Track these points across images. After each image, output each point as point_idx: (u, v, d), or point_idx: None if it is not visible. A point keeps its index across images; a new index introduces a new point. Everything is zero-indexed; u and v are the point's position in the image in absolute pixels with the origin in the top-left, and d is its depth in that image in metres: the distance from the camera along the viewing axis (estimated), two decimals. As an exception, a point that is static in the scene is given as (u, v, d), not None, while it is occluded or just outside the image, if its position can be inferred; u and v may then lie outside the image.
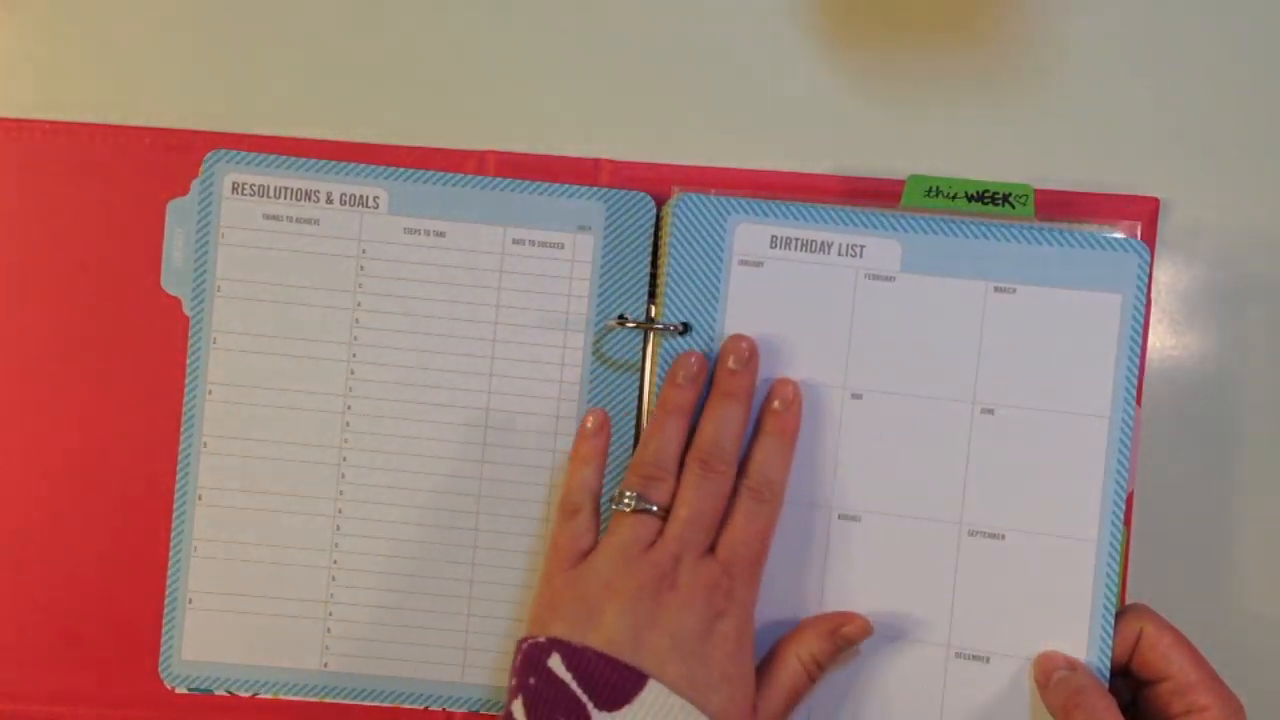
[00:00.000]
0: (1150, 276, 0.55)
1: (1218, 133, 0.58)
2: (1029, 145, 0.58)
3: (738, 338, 0.53)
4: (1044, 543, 0.53)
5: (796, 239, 0.55)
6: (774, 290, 0.55)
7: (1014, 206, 0.56)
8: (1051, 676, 0.52)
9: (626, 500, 0.52)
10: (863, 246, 0.54)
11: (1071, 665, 0.52)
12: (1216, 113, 0.59)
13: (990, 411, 0.54)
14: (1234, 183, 0.58)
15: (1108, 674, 0.52)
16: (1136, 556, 0.57)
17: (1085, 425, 0.53)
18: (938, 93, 0.59)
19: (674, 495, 0.52)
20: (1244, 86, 0.59)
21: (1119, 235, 0.54)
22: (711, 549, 0.51)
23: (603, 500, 0.55)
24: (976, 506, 0.53)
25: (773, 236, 0.54)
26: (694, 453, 0.52)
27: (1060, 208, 0.57)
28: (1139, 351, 0.53)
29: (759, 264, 0.55)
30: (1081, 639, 0.53)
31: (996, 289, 0.54)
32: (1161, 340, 0.58)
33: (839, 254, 0.54)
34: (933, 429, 0.54)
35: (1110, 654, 0.52)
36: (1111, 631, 0.52)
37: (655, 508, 0.51)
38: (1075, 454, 0.53)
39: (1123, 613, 0.53)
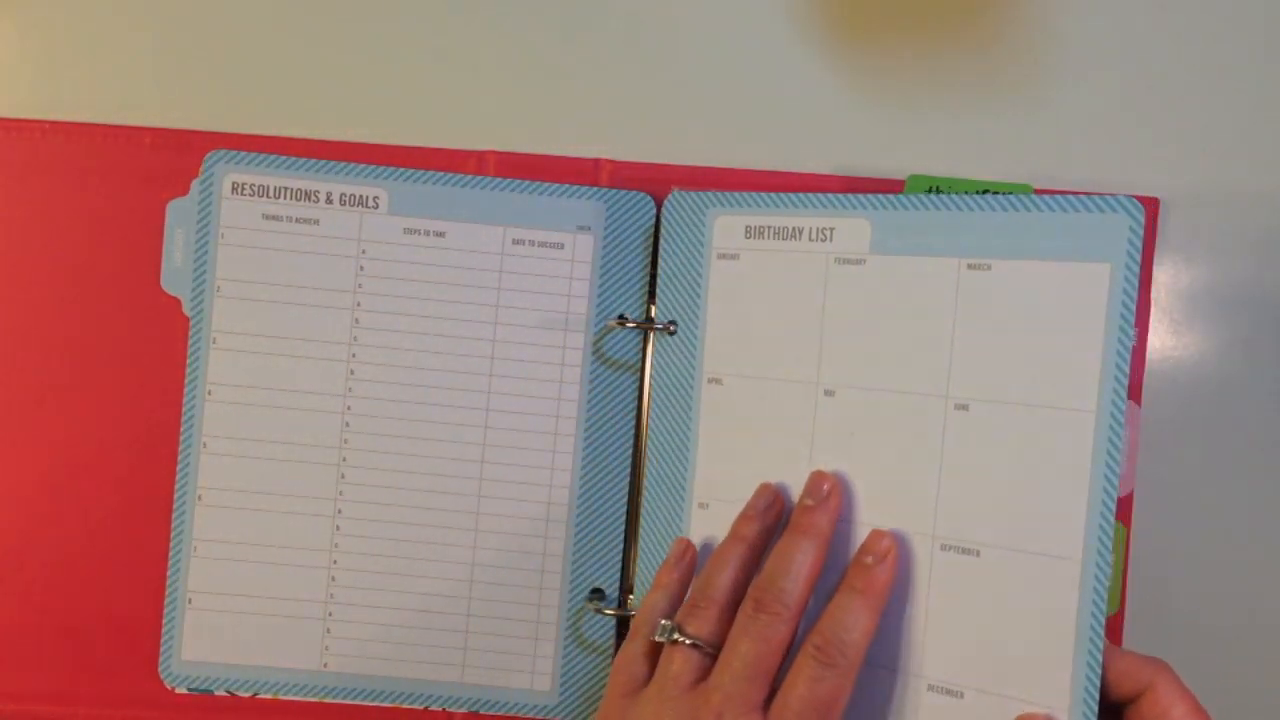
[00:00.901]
0: (1151, 259, 0.54)
1: (1218, 133, 0.59)
2: (1029, 145, 0.58)
3: (819, 474, 0.49)
4: (1022, 560, 0.46)
5: (769, 227, 0.52)
6: (750, 283, 0.53)
7: (1014, 206, 0.55)
8: None
9: (663, 629, 0.47)
10: (832, 229, 0.51)
11: None
12: (1216, 113, 0.59)
13: (964, 407, 0.47)
14: (1234, 182, 0.58)
15: None
16: (1136, 556, 0.57)
17: (1067, 421, 0.45)
18: (938, 92, 0.59)
19: (722, 633, 0.46)
20: (1244, 87, 0.59)
21: (1110, 195, 0.46)
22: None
23: None
24: (950, 517, 0.47)
25: (747, 227, 0.53)
26: (749, 591, 0.47)
27: None
28: (1131, 333, 0.45)
29: (735, 256, 0.53)
30: (1064, 680, 0.44)
31: (969, 266, 0.48)
32: (1161, 340, 0.58)
33: (810, 239, 0.52)
34: (903, 428, 0.49)
35: (1096, 702, 0.44)
36: (1099, 674, 0.44)
37: (689, 640, 0.46)
38: (1056, 455, 0.45)
39: (1140, 656, 0.45)
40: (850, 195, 0.51)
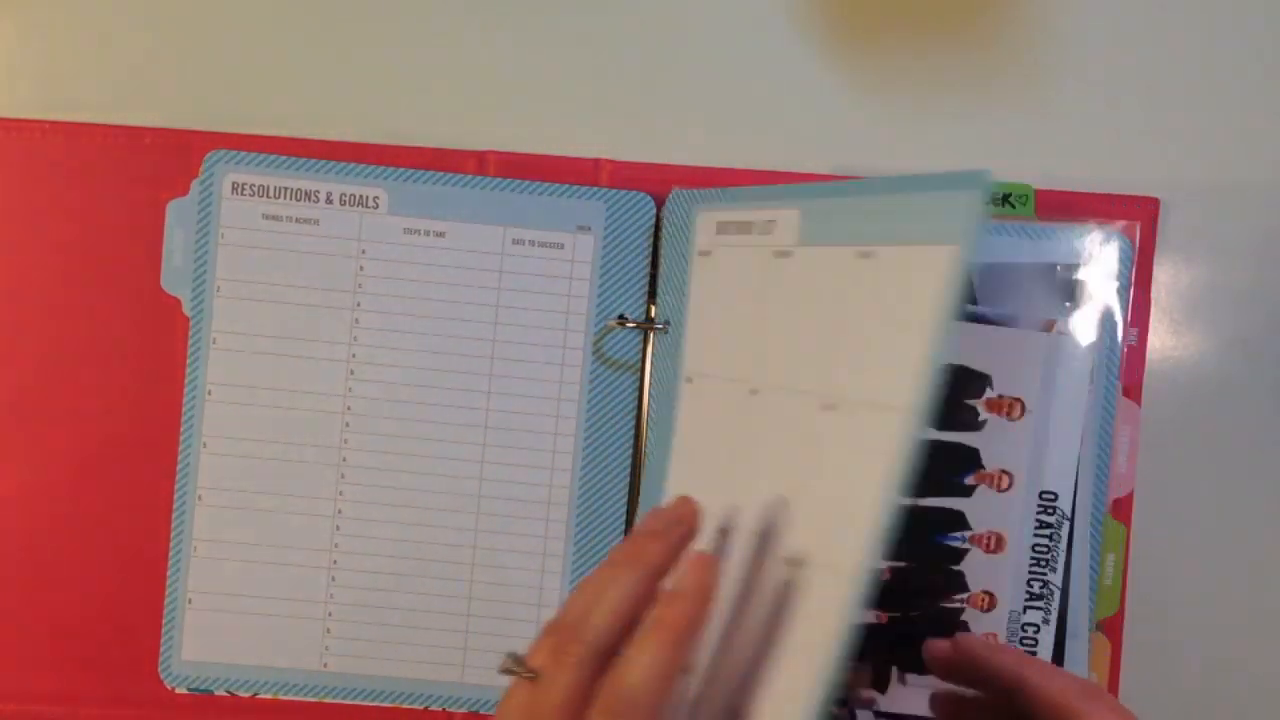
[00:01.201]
0: (1150, 259, 0.55)
1: (1217, 133, 0.59)
2: (1029, 145, 0.59)
3: (683, 499, 0.45)
4: (828, 576, 0.40)
5: (732, 222, 0.52)
6: (718, 279, 0.52)
7: (1014, 206, 0.56)
8: None
9: (507, 661, 0.40)
10: (774, 221, 0.49)
11: None
12: (1216, 113, 0.59)
13: (831, 408, 0.43)
14: (1234, 182, 0.59)
15: None
16: (1136, 556, 0.57)
17: (882, 421, 0.40)
18: (938, 93, 0.59)
19: None
20: (1243, 86, 0.59)
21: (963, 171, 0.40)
22: None
23: None
24: (795, 528, 0.42)
25: (718, 223, 0.53)
26: (550, 626, 0.40)
27: (1061, 208, 0.57)
28: (954, 320, 0.39)
29: (709, 253, 0.54)
30: (810, 705, 0.38)
31: (860, 254, 0.43)
32: (1161, 340, 0.58)
33: (758, 232, 0.49)
34: (785, 431, 0.45)
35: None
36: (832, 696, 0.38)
37: (531, 674, 0.39)
38: (872, 459, 0.40)
39: (1077, 684, 0.43)
40: (789, 185, 0.49)
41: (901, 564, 0.56)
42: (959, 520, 0.56)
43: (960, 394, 0.55)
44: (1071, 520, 0.56)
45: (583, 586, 0.41)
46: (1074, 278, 0.56)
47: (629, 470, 0.57)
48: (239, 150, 0.57)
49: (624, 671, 0.38)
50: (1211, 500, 0.58)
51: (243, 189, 0.57)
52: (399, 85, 0.59)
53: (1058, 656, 0.56)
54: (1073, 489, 0.56)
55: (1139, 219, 0.57)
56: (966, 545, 0.56)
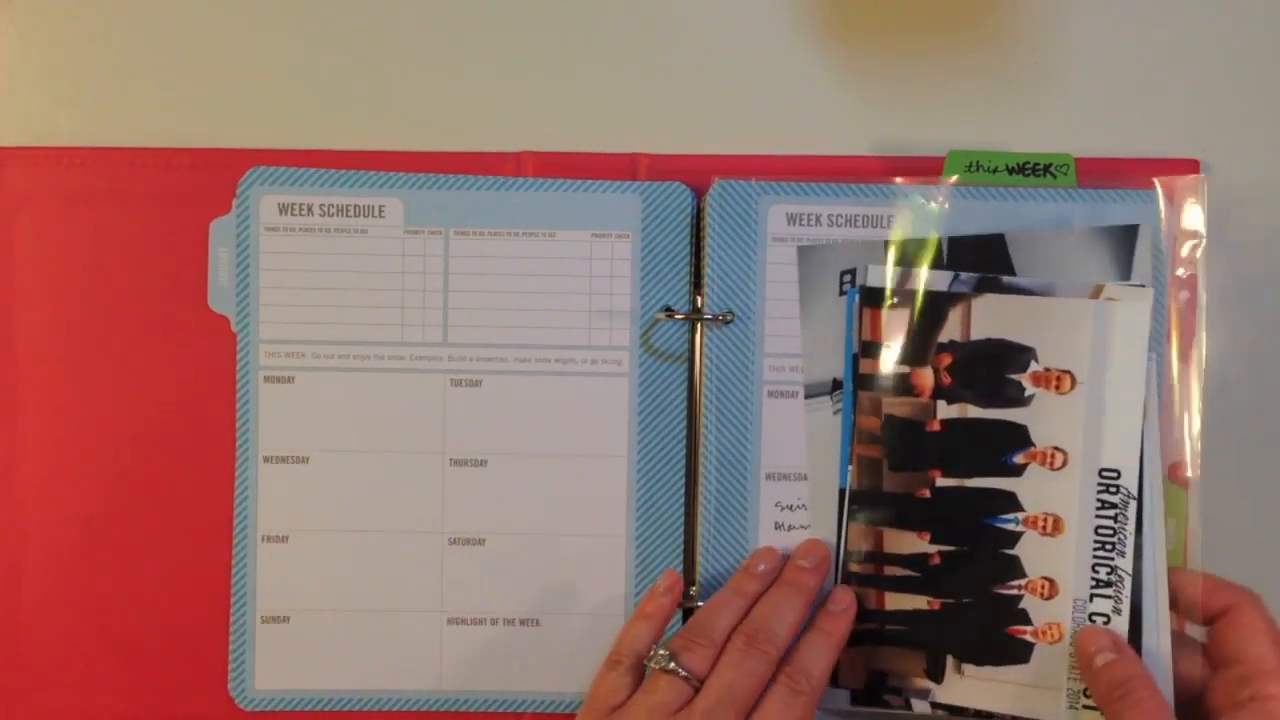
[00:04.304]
0: (1197, 233, 0.56)
1: (1261, 94, 0.60)
2: (1063, 117, 0.60)
3: (814, 542, 0.57)
4: None
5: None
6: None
7: (1055, 176, 0.56)
8: (1094, 660, 0.52)
9: (659, 658, 0.52)
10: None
11: (1116, 647, 0.52)
12: (1258, 74, 0.60)
13: None
14: (1237, 179, 0.59)
15: None
16: (1206, 518, 0.57)
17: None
18: (968, 74, 0.60)
19: (708, 671, 0.52)
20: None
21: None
22: None
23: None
24: None
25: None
26: (741, 628, 0.53)
27: (1101, 175, 0.57)
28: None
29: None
30: None
31: None
32: (1217, 305, 0.58)
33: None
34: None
35: None
36: None
37: (685, 673, 0.52)
38: None
39: (1225, 581, 0.53)
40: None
41: (950, 548, 0.55)
42: (1010, 501, 0.55)
43: (1002, 369, 0.55)
44: (1139, 500, 0.54)
45: (721, 606, 0.54)
46: (1118, 240, 0.56)
47: (684, 464, 0.58)
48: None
49: (803, 656, 0.53)
50: (1275, 465, 0.60)
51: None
52: (435, 93, 0.61)
53: (1134, 648, 0.54)
54: (1137, 465, 0.54)
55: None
56: (1020, 528, 0.55)
